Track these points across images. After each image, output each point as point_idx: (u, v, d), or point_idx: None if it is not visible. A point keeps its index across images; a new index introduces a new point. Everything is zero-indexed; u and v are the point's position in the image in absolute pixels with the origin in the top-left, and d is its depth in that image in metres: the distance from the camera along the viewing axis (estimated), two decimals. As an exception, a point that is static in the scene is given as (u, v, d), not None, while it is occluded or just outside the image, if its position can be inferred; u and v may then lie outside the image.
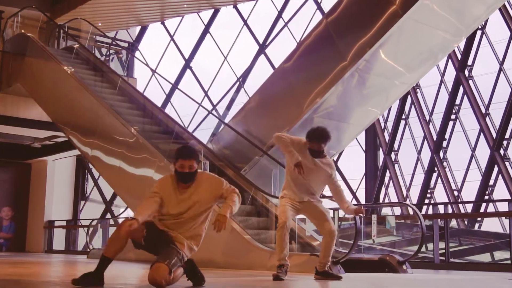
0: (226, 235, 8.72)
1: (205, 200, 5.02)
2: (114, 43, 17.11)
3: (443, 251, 9.96)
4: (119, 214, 19.32)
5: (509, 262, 12.49)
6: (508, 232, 16.60)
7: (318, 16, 18.35)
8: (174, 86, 16.77)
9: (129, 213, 16.93)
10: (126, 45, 18.48)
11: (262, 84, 11.18)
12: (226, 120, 13.33)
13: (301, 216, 7.24)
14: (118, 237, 4.76)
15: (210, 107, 19.19)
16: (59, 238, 18.18)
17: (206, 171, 5.48)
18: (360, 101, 10.74)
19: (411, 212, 16.71)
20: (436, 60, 11.38)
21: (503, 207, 21.10)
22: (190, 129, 16.81)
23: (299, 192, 6.37)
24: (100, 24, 17.57)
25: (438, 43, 10.49)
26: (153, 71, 14.17)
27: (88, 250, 14.25)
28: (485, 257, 14.45)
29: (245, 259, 8.42)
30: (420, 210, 17.55)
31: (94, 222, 16.42)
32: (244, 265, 8.29)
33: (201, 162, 9.64)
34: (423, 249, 13.91)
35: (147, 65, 14.05)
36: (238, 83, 19.75)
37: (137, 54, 19.25)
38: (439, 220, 10.10)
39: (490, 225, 17.28)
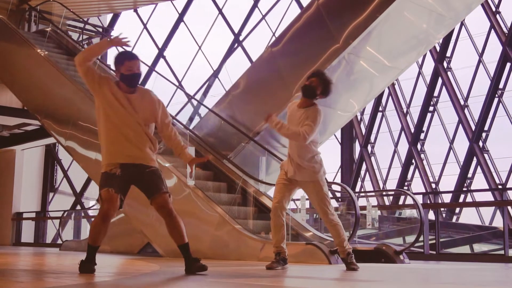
0: (215, 224, 8.34)
1: (149, 110, 4.91)
2: (91, 27, 16.51)
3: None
4: (90, 207, 18.78)
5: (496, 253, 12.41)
6: (487, 224, 16.77)
7: (295, 7, 18.05)
8: (151, 68, 16.25)
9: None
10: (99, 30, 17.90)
11: (247, 69, 10.78)
12: (205, 109, 12.87)
13: (293, 206, 6.92)
14: (106, 224, 4.85)
15: (184, 97, 18.75)
16: (27, 231, 17.57)
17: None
18: (348, 87, 10.44)
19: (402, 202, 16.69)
20: (421, 51, 11.20)
21: (483, 197, 21.06)
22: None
23: (291, 162, 5.96)
24: (70, 11, 16.96)
25: (423, 31, 10.28)
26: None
27: (61, 242, 13.70)
28: (464, 249, 14.32)
29: (235, 249, 8.04)
30: (398, 201, 17.46)
31: (66, 214, 15.86)
32: (234, 256, 7.92)
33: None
34: (408, 240, 13.75)
35: (122, 48, 13.47)
36: (213, 72, 19.31)
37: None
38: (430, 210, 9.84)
39: (468, 217, 17.18)
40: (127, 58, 4.89)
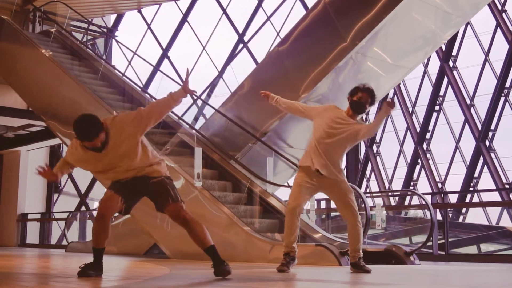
0: (223, 225, 8.27)
1: (128, 138, 4.65)
2: (95, 28, 16.47)
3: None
4: (95, 208, 18.72)
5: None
6: (494, 224, 16.68)
7: (300, 7, 17.97)
8: (156, 68, 16.20)
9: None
10: (102, 32, 17.83)
11: (254, 68, 10.70)
12: (209, 109, 12.80)
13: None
14: (103, 224, 4.70)
15: (189, 98, 18.64)
16: (32, 232, 17.52)
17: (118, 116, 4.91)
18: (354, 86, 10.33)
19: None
20: (428, 51, 11.10)
21: (490, 197, 20.93)
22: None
23: (319, 158, 5.81)
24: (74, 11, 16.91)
25: (430, 31, 10.19)
26: (134, 53, 13.64)
27: (66, 243, 13.63)
28: (471, 249, 14.25)
29: (243, 251, 7.96)
30: (404, 201, 17.37)
31: (71, 215, 15.80)
32: (243, 257, 7.82)
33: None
34: (415, 241, 13.68)
35: (127, 48, 13.48)
36: (218, 73, 19.23)
37: (113, 42, 18.58)
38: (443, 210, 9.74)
39: (475, 217, 17.10)
40: (87, 140, 4.53)
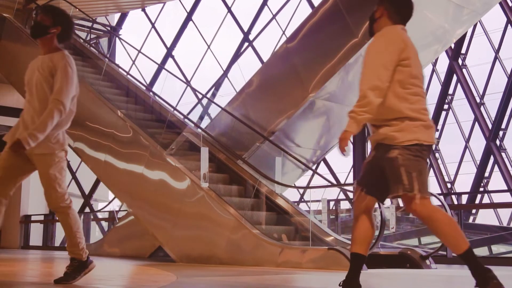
0: (230, 227, 8.00)
1: None
2: (99, 26, 16.25)
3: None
4: (102, 209, 18.50)
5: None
6: (505, 224, 16.38)
7: (306, 5, 17.70)
8: (161, 66, 15.98)
9: (116, 204, 16.12)
10: (106, 30, 17.61)
11: (261, 66, 10.44)
12: (215, 108, 12.54)
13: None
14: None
15: (192, 98, 18.40)
16: (36, 234, 17.27)
17: None
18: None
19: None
20: (438, 49, 10.83)
21: (501, 197, 20.72)
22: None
23: None
24: (77, 10, 16.69)
25: (441, 27, 9.92)
26: (139, 51, 13.41)
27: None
28: (483, 251, 13.99)
29: (252, 254, 7.68)
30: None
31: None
32: (251, 261, 7.55)
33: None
34: (424, 241, 13.38)
35: (131, 46, 13.25)
36: (222, 72, 18.98)
37: (117, 41, 18.34)
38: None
39: (485, 218, 16.81)
40: None
